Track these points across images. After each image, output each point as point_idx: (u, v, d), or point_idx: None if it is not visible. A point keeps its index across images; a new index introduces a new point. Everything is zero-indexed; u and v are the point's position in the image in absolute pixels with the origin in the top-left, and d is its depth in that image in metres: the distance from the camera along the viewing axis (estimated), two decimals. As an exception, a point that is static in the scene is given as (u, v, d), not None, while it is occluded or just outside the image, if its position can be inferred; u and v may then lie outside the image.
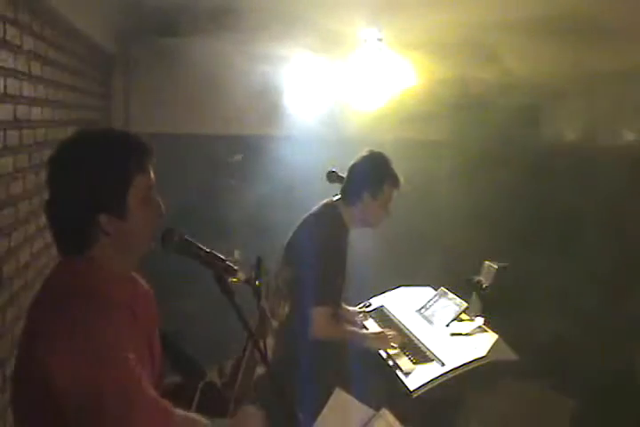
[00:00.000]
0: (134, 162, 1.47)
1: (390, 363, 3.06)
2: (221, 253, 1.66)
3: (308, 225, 3.08)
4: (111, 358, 1.35)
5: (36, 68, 2.66)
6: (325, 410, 2.42)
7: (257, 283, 1.77)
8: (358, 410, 2.57)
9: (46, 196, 1.46)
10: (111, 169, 1.44)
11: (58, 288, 1.46)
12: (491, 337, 3.13)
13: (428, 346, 3.12)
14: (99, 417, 1.34)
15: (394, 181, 3.03)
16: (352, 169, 3.09)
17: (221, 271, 1.64)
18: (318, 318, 2.86)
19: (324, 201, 3.15)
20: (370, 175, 3.02)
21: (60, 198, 1.45)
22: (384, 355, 3.14)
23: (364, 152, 3.10)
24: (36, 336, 1.39)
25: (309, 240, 2.98)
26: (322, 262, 2.84)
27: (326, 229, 2.98)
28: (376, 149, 3.10)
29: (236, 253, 1.76)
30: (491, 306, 3.39)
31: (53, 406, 1.34)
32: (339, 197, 3.11)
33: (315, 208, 3.14)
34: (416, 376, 2.89)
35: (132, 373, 1.38)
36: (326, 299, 2.90)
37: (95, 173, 1.43)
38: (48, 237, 2.83)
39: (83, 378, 1.32)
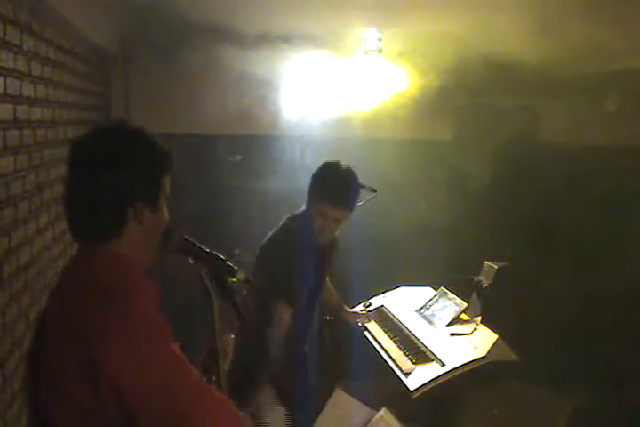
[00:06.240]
0: (167, 163, 1.55)
1: (390, 363, 3.07)
2: (221, 252, 1.66)
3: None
4: (165, 348, 1.36)
5: (36, 68, 2.65)
6: (325, 410, 2.43)
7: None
8: (358, 410, 2.58)
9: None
10: (151, 162, 1.51)
11: (96, 274, 1.45)
12: (491, 337, 3.13)
13: (428, 346, 3.12)
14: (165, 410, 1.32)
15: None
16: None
17: (221, 271, 1.64)
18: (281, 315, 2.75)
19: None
20: (311, 187, 2.93)
21: (101, 183, 1.46)
22: (383, 354, 3.14)
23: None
24: (82, 323, 1.37)
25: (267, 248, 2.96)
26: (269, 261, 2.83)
27: (280, 237, 2.93)
28: (334, 160, 2.93)
29: (237, 251, 1.76)
30: (491, 306, 3.39)
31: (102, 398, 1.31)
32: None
33: None
34: (416, 376, 2.89)
35: (185, 363, 1.39)
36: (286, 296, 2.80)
37: (138, 163, 1.48)
38: (48, 237, 2.84)
39: (140, 369, 1.32)
